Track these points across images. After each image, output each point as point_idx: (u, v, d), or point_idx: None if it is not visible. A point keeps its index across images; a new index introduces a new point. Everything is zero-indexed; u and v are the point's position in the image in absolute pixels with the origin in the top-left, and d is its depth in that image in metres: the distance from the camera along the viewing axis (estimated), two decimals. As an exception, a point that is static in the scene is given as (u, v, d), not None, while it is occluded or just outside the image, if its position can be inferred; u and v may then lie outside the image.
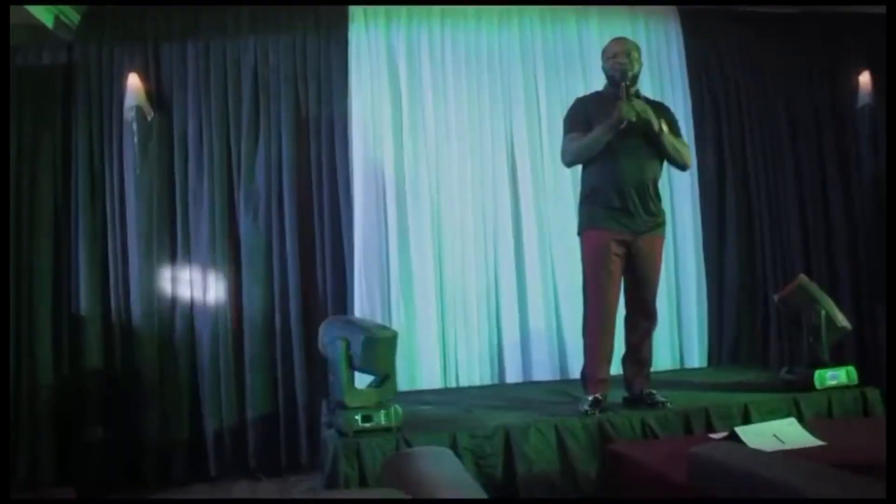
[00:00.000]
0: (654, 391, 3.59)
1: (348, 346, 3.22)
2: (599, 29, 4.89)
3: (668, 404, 3.50)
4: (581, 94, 4.11)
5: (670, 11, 5.05)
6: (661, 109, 3.65)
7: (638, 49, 3.64)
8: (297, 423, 4.37)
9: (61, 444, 4.19)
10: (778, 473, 2.13)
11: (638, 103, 3.46)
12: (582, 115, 3.61)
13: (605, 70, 3.66)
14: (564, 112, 3.76)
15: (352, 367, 3.23)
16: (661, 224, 3.66)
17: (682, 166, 3.73)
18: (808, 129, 5.15)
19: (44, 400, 4.19)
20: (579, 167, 3.73)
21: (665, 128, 3.53)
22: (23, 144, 4.31)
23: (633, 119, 3.40)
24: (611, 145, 3.47)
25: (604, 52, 3.68)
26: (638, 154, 3.53)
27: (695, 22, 5.06)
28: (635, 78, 3.58)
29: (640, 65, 3.62)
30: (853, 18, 5.26)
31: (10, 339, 4.09)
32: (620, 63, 3.53)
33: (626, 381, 3.68)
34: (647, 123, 3.46)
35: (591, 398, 3.48)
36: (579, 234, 3.67)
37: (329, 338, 3.34)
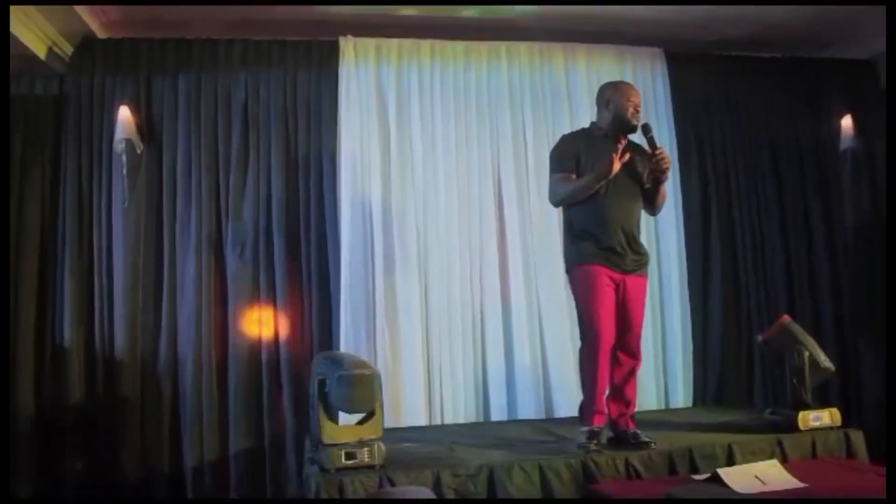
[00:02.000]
0: (639, 431, 3.57)
1: (324, 384, 3.21)
2: (587, 67, 4.97)
3: (653, 444, 3.47)
4: (567, 130, 4.16)
5: (657, 52, 5.12)
6: (644, 154, 3.65)
7: None
8: (284, 460, 4.32)
9: (40, 475, 4.13)
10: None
11: (663, 154, 3.54)
12: (571, 154, 3.63)
13: (613, 107, 3.60)
14: (551, 148, 3.79)
15: (328, 403, 3.21)
16: (646, 263, 3.70)
17: (659, 210, 3.81)
18: (792, 171, 5.22)
19: (24, 430, 4.13)
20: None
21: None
22: (11, 174, 4.30)
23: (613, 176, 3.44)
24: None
25: (614, 89, 3.65)
26: (625, 194, 3.59)
27: (680, 63, 5.13)
28: None
29: None
30: (836, 64, 5.36)
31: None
32: (639, 113, 3.59)
33: (611, 420, 3.65)
34: (664, 172, 3.53)
35: (587, 430, 3.47)
36: (568, 270, 3.68)
37: (311, 374, 3.33)
